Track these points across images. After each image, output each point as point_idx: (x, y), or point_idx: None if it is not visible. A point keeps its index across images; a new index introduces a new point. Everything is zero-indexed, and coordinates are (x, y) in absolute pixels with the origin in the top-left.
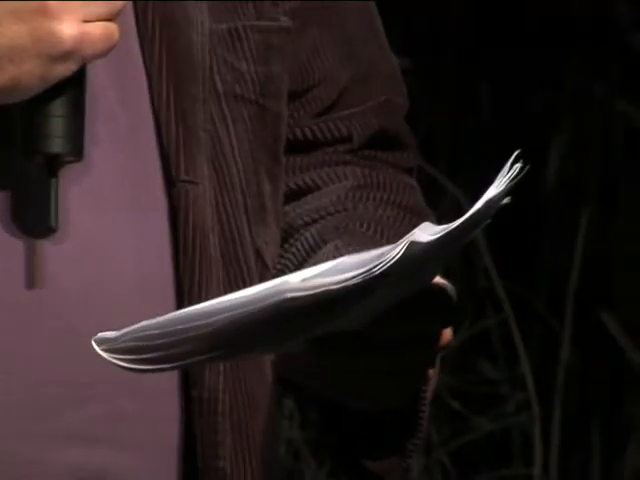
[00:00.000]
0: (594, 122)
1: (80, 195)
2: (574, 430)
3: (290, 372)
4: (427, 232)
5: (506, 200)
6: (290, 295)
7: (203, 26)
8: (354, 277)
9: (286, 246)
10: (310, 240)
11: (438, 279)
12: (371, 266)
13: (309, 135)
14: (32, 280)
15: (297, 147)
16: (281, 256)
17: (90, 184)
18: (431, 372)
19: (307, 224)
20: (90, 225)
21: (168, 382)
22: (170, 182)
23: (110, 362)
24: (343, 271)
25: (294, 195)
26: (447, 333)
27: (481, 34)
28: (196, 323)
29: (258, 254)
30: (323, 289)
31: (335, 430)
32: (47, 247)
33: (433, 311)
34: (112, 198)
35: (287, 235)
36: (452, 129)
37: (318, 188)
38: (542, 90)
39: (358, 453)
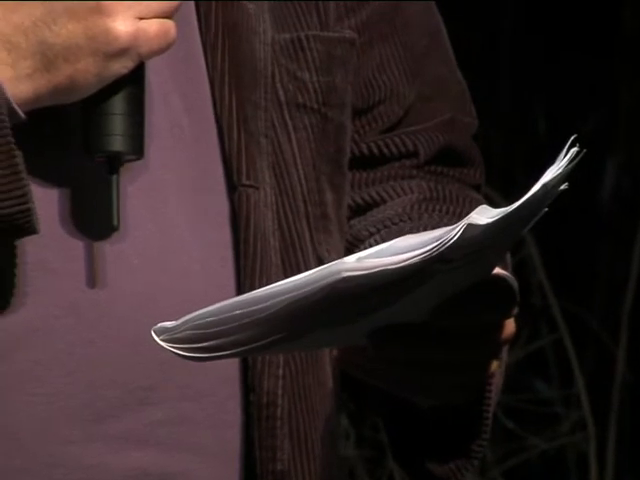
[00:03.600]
0: None
1: (142, 197)
2: (629, 450)
3: (352, 368)
4: (485, 215)
5: (564, 186)
6: (346, 274)
7: (266, 35)
8: (412, 258)
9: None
10: (373, 245)
11: (498, 270)
12: (429, 247)
13: (375, 150)
14: (93, 281)
15: (364, 162)
16: None
17: (153, 187)
18: (495, 367)
19: (372, 234)
20: (152, 227)
21: (228, 387)
22: (231, 186)
23: (170, 352)
24: (399, 252)
25: (361, 209)
26: (510, 325)
27: (535, 55)
28: (253, 308)
29: (320, 261)
30: (380, 269)
31: (399, 429)
32: (108, 248)
33: (494, 302)
34: (174, 201)
35: (352, 246)
36: (507, 149)
37: (384, 202)
38: (597, 109)
39: (422, 454)
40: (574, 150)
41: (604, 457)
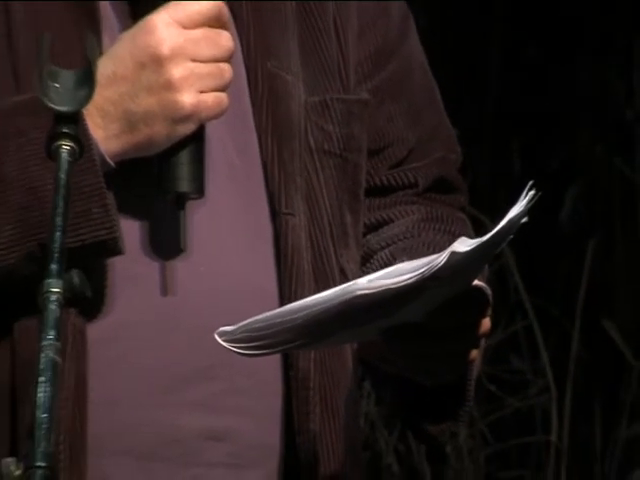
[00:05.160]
0: (598, 174)
1: (205, 224)
2: (581, 408)
3: (369, 356)
4: (464, 244)
5: (524, 220)
6: (359, 292)
7: (300, 98)
8: (409, 279)
9: (367, 264)
10: (384, 258)
11: (476, 281)
12: (422, 270)
13: (385, 182)
14: (166, 289)
15: (376, 191)
16: (362, 272)
17: (213, 215)
18: (474, 354)
19: (382, 247)
20: (212, 246)
21: (272, 365)
22: (274, 214)
23: (228, 349)
24: (400, 274)
25: (373, 227)
26: (486, 323)
27: (515, 107)
28: (289, 317)
29: (341, 270)
30: (385, 287)
31: (403, 401)
32: (177, 264)
33: (474, 306)
34: (229, 225)
35: (367, 257)
36: (491, 179)
37: (392, 221)
38: (559, 150)
39: (421, 419)
40: (532, 193)
41: (562, 413)
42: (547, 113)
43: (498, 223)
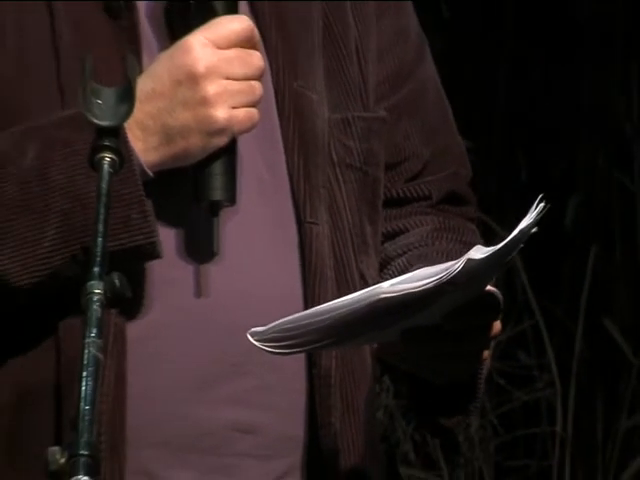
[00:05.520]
0: (599, 184)
1: (235, 231)
2: (584, 401)
3: (389, 355)
4: (479, 252)
5: (534, 230)
6: (382, 296)
7: (324, 116)
8: (428, 283)
9: (384, 270)
10: (401, 265)
11: (489, 287)
12: (440, 275)
13: (401, 195)
14: (199, 290)
15: (393, 203)
16: (381, 277)
17: (243, 223)
18: (486, 354)
19: (399, 255)
20: (242, 252)
21: (297, 364)
22: (299, 223)
23: (259, 348)
24: (420, 279)
25: (390, 236)
26: (497, 326)
27: (521, 121)
28: (316, 319)
29: (361, 275)
30: (406, 291)
31: (420, 397)
32: (211, 268)
33: (487, 309)
34: (258, 232)
35: (385, 263)
36: (499, 189)
37: (408, 231)
38: (563, 161)
39: (436, 413)
40: (541, 206)
41: (567, 406)
42: (551, 128)
43: (506, 228)
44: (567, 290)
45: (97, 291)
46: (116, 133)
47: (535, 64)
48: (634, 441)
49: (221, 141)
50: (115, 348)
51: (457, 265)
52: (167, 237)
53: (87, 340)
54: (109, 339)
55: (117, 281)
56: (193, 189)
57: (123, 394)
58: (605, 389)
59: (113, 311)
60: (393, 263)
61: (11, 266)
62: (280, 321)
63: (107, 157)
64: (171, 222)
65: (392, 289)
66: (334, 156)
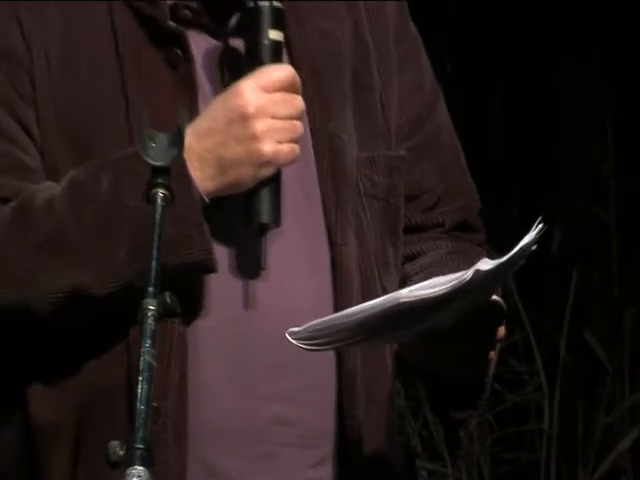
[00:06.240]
0: (580, 217)
1: (278, 250)
2: (567, 402)
3: (409, 356)
4: (486, 264)
5: (533, 247)
6: (402, 300)
7: (353, 153)
8: (441, 290)
9: (404, 287)
10: (418, 281)
11: (494, 296)
12: (452, 283)
13: (419, 223)
14: (247, 303)
15: (411, 230)
16: None
17: (283, 244)
18: (492, 355)
19: (417, 273)
20: (283, 269)
21: (328, 365)
22: (331, 244)
23: (296, 346)
24: (434, 287)
25: (410, 258)
26: (502, 330)
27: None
28: (345, 320)
29: (384, 289)
30: (422, 297)
31: (436, 394)
32: (258, 283)
33: (493, 315)
34: (296, 252)
35: (405, 280)
36: (497, 219)
37: (424, 253)
38: (547, 196)
39: (448, 408)
40: (539, 227)
41: (552, 407)
42: (541, 171)
43: (502, 252)
44: (553, 307)
45: (151, 307)
46: (168, 172)
47: (523, 111)
48: (610, 437)
49: (268, 172)
50: (179, 353)
51: (467, 275)
52: (220, 255)
53: (143, 349)
54: (174, 344)
55: (168, 299)
56: (245, 213)
57: (185, 392)
58: (585, 392)
59: (177, 320)
60: (412, 280)
61: (90, 278)
62: (314, 322)
63: (160, 192)
64: (223, 241)
65: (410, 294)
66: (361, 188)
